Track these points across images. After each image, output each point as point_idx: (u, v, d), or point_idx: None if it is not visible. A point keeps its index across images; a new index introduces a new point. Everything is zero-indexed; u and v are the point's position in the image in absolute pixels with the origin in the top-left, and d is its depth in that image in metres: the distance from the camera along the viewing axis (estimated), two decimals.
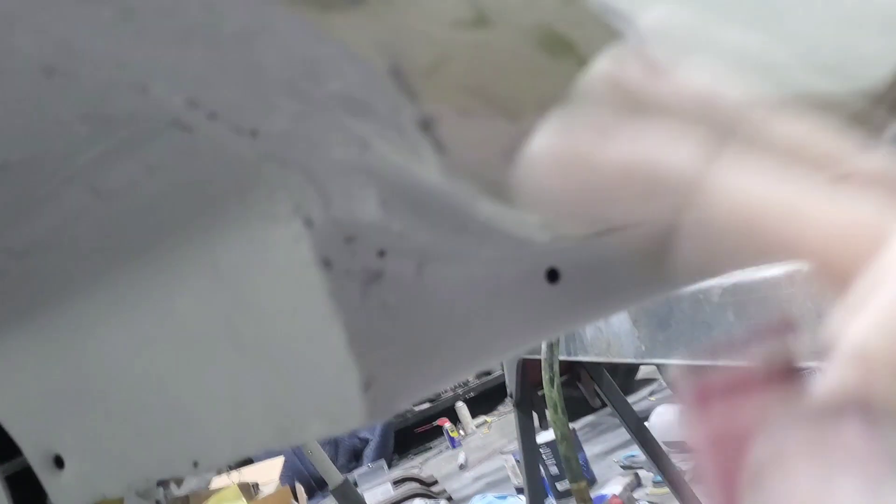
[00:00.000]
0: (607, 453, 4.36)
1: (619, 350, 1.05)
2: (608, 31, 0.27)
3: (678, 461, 3.67)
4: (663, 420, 3.86)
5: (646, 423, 3.93)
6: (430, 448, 6.24)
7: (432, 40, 0.25)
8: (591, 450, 4.33)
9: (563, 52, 0.26)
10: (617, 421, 4.70)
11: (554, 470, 3.87)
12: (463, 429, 6.18)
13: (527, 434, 1.78)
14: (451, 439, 6.01)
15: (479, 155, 0.27)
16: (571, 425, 4.21)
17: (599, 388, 1.78)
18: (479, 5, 0.25)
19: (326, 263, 0.34)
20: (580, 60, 0.27)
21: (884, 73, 0.34)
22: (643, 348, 0.99)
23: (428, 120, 0.26)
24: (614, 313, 0.44)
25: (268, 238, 0.35)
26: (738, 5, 0.30)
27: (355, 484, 5.06)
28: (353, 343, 0.34)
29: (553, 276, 0.39)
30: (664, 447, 3.74)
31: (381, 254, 0.34)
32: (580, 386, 1.82)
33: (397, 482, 4.95)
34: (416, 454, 6.24)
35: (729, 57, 0.29)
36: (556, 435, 1.42)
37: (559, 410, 1.35)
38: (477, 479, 5.03)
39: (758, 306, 0.73)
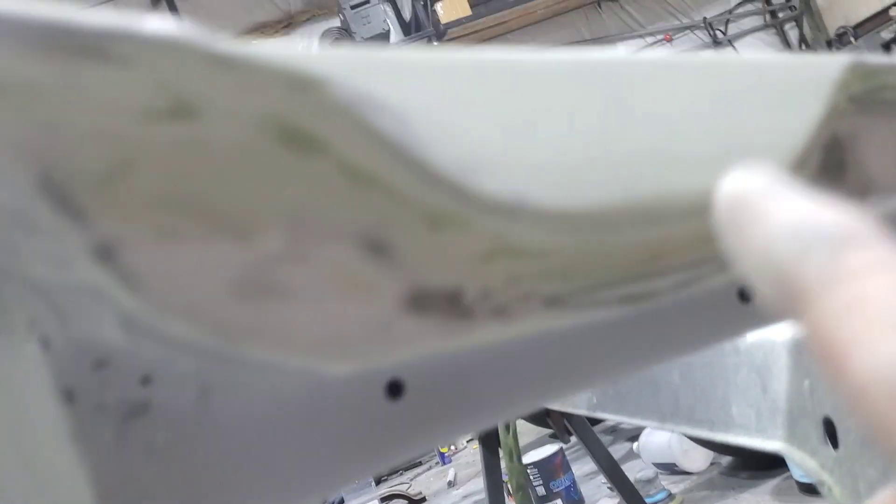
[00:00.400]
0: (596, 473, 4.28)
1: (573, 400, 0.97)
2: (368, 129, 0.19)
3: (667, 483, 3.60)
4: (652, 441, 3.79)
5: (635, 444, 3.88)
6: (420, 463, 6.16)
7: (109, 138, 0.18)
8: (579, 469, 4.26)
9: (312, 150, 0.19)
10: (607, 438, 4.63)
11: (541, 491, 3.79)
12: (454, 443, 6.10)
13: (491, 471, 1.70)
14: (441, 455, 5.93)
15: (195, 290, 0.20)
16: (560, 444, 4.15)
17: (569, 422, 1.71)
18: (180, 91, 0.18)
19: (69, 395, 0.26)
20: (337, 160, 0.20)
21: (785, 154, 0.27)
22: (595, 401, 0.91)
23: (107, 247, 0.19)
24: (474, 429, 0.36)
25: (8, 358, 0.28)
26: (567, 83, 0.23)
27: (342, 501, 4.98)
28: (104, 498, 0.26)
29: (395, 390, 0.32)
30: (654, 468, 3.67)
31: (146, 381, 0.27)
32: (549, 421, 1.75)
33: (384, 499, 4.87)
34: (405, 469, 6.16)
35: (549, 158, 0.22)
36: (511, 485, 1.34)
37: (514, 459, 1.27)
38: (465, 497, 4.94)
39: (703, 370, 0.66)
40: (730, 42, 6.41)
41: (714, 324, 0.35)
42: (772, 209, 0.23)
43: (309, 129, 0.19)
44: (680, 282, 0.27)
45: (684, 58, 0.26)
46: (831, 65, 0.29)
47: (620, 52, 0.25)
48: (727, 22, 6.45)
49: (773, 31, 6.61)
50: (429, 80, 0.21)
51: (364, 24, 5.17)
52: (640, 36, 6.31)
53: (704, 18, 6.37)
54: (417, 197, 0.20)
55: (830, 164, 0.30)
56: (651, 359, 0.33)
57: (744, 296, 0.36)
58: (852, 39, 6.03)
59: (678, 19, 6.39)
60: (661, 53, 0.26)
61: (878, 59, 0.31)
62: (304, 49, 0.19)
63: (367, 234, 0.20)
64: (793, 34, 6.61)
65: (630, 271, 0.25)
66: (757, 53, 0.30)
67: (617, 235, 0.24)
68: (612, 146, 0.23)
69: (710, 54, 0.27)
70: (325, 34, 5.26)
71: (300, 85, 0.19)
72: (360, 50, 0.20)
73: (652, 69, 0.25)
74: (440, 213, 0.21)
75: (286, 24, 5.76)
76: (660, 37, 6.34)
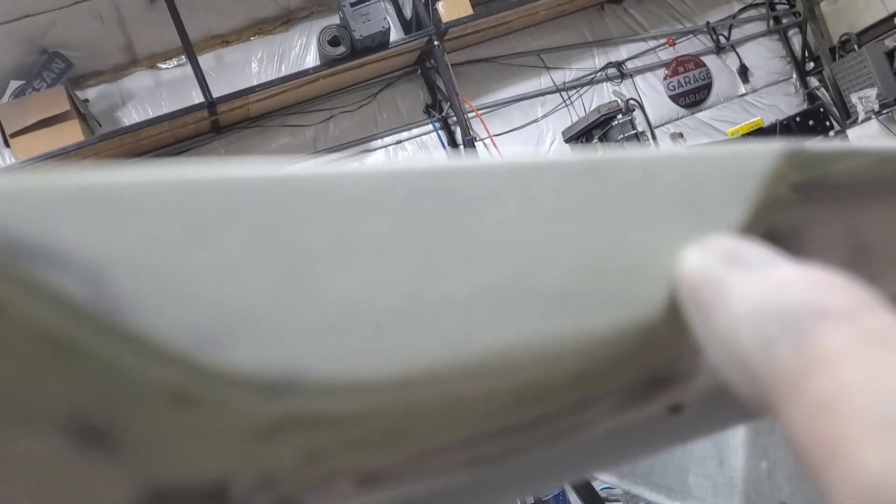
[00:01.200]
0: None
1: None
2: (42, 289, 0.14)
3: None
4: None
5: None
6: None
7: None
8: None
9: None
10: None
11: (529, 499, 3.75)
12: None
13: None
14: None
15: None
16: None
17: None
18: None
19: None
20: (25, 323, 0.14)
21: None
22: None
23: None
24: None
25: None
26: (369, 209, 0.18)
27: None
28: None
29: None
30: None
31: None
32: None
33: None
34: None
35: (339, 315, 0.17)
36: None
37: None
38: None
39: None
40: (733, 47, 6.34)
41: (632, 444, 0.30)
42: (733, 288, 0.19)
43: None
44: (559, 431, 0.21)
45: (550, 160, 0.20)
46: (758, 156, 0.24)
47: (454, 157, 0.19)
48: (730, 27, 6.38)
49: (777, 37, 6.54)
50: (137, 217, 0.15)
51: (363, 22, 5.11)
52: (643, 39, 6.24)
53: (708, 23, 6.30)
54: (140, 373, 0.15)
55: None
56: (547, 485, 0.28)
57: (673, 407, 0.30)
58: (856, 47, 5.96)
59: (681, 24, 6.32)
60: (518, 155, 0.20)
61: (819, 146, 0.26)
62: None
63: (78, 418, 0.15)
64: (796, 41, 6.54)
65: (481, 428, 0.19)
66: (659, 147, 0.24)
67: (457, 389, 0.18)
68: (437, 290, 0.18)
69: (589, 152, 0.21)
70: (324, 31, 5.20)
71: None
72: (28, 177, 0.15)
73: (500, 179, 0.19)
74: (182, 389, 0.15)
75: (285, 20, 5.70)
76: (663, 41, 6.27)
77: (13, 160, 4.97)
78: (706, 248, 0.21)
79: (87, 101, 5.36)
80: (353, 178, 0.17)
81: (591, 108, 5.65)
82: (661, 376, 0.23)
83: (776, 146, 0.24)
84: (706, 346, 0.20)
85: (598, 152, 0.21)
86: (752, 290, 0.19)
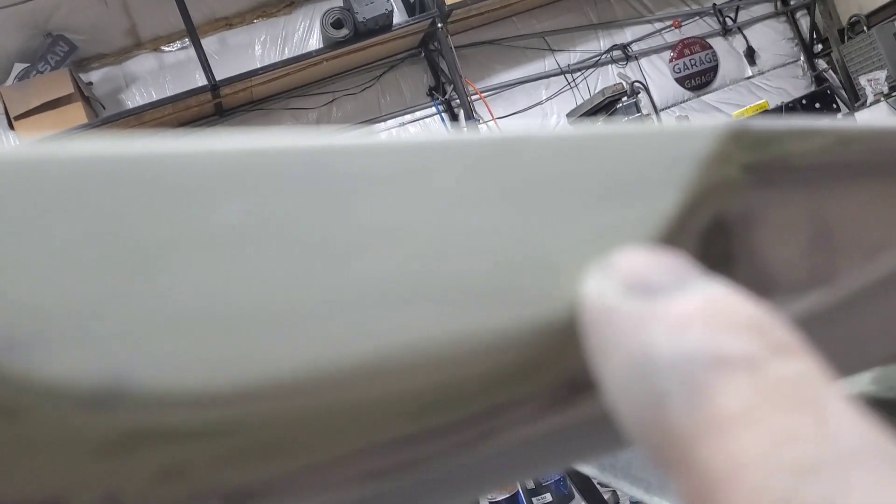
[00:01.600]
0: None
1: None
2: None
3: None
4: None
5: None
6: None
7: None
8: None
9: None
10: None
11: (529, 484, 3.75)
12: None
13: None
14: None
15: None
16: None
17: None
18: None
19: None
20: None
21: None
22: None
23: None
24: None
25: None
26: (223, 191, 0.16)
27: None
28: None
29: None
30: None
31: None
32: None
33: None
34: None
35: (185, 316, 0.15)
36: None
37: None
38: None
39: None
40: (739, 29, 6.28)
41: (582, 443, 0.27)
42: (629, 325, 0.17)
43: None
44: (471, 438, 0.19)
45: (454, 139, 0.18)
46: (697, 136, 0.22)
47: (342, 134, 0.17)
48: (737, 9, 6.32)
49: (784, 18, 6.47)
50: None
51: (366, 5, 5.07)
52: (649, 21, 6.19)
53: (714, 5, 6.24)
54: None
55: (710, 259, 0.23)
56: (477, 491, 0.26)
57: None
58: (865, 28, 5.89)
59: (687, 5, 6.26)
60: (423, 132, 0.18)
61: (768, 124, 0.23)
62: None
63: None
64: (804, 22, 6.47)
65: (377, 438, 0.18)
66: (585, 125, 0.21)
67: (342, 396, 0.16)
68: (309, 285, 0.16)
69: (503, 129, 0.19)
70: (327, 14, 5.16)
71: None
72: None
73: (392, 159, 0.17)
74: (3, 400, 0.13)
75: (288, 3, 5.66)
76: (668, 23, 6.21)
77: (18, 143, 4.97)
78: (607, 271, 0.18)
79: (90, 83, 5.35)
80: (201, 157, 0.15)
81: (596, 91, 5.61)
82: (584, 378, 0.21)
83: (719, 124, 0.22)
84: (605, 390, 0.17)
85: (509, 131, 0.19)
86: (647, 330, 0.16)
